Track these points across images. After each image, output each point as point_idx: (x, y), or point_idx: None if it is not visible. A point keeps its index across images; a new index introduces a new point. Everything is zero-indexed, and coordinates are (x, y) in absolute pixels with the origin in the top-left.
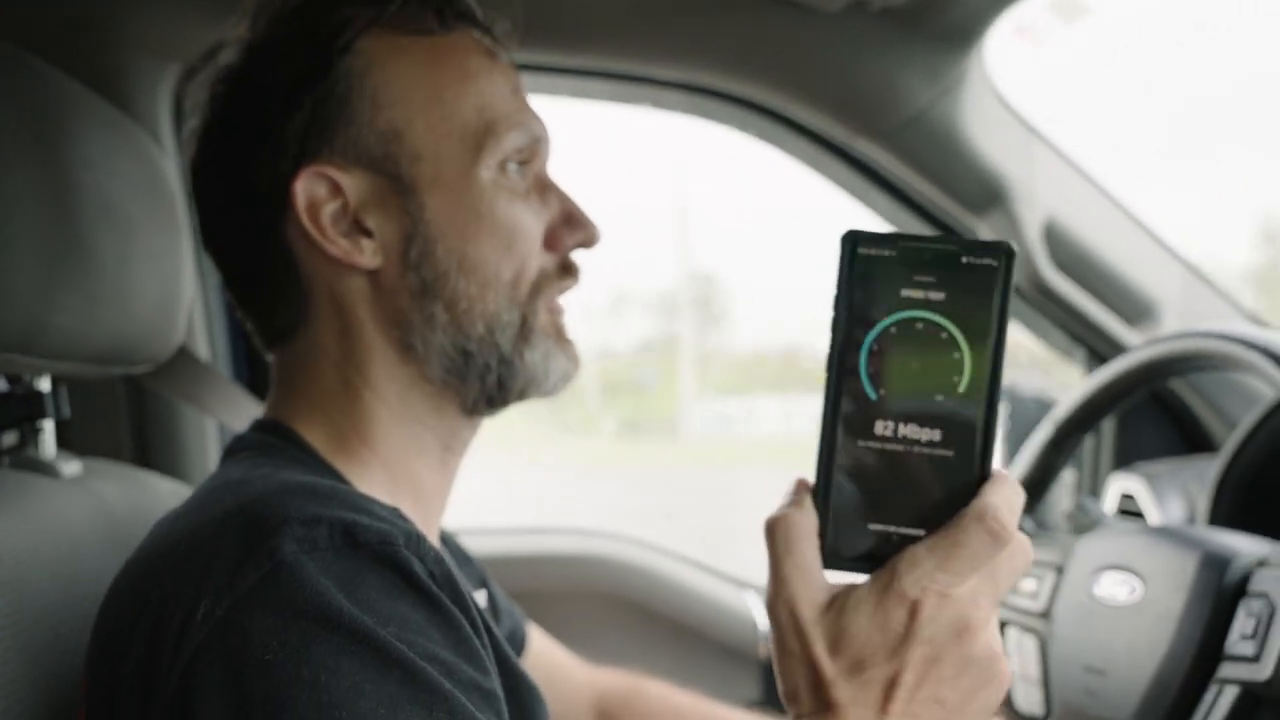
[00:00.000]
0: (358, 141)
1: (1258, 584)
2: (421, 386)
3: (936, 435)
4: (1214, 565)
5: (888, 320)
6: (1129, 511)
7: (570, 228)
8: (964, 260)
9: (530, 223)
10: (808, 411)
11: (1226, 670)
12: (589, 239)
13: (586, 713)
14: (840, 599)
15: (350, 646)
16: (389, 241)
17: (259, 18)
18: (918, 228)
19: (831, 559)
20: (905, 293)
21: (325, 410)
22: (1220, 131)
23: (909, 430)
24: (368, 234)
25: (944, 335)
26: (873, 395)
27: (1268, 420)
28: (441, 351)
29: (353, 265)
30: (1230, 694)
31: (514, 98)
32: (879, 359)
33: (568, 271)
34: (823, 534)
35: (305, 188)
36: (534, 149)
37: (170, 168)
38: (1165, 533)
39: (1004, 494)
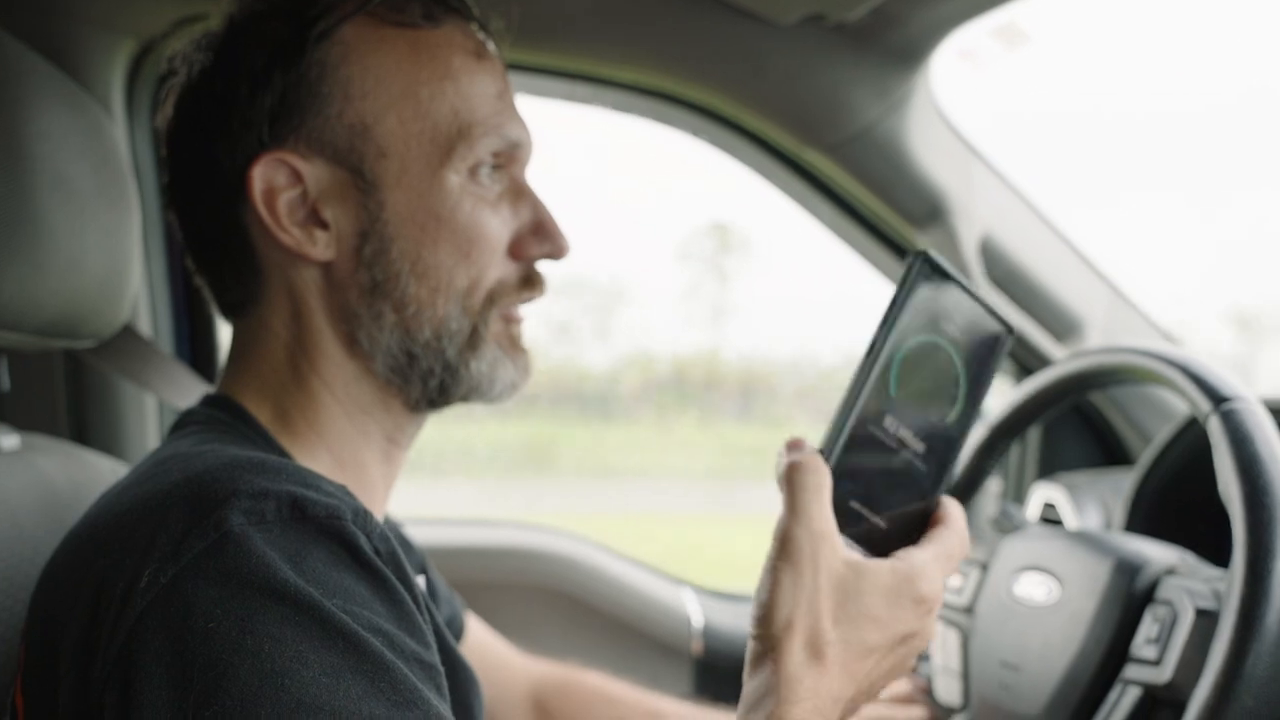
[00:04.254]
0: (324, 132)
1: (1164, 591)
2: (368, 380)
3: (921, 448)
4: (1126, 571)
5: (924, 338)
6: (1050, 519)
7: (538, 238)
8: (986, 321)
9: (495, 230)
10: None
11: (1131, 671)
12: (556, 251)
13: (522, 701)
14: (858, 566)
15: (294, 617)
16: (344, 236)
17: None
18: (860, 239)
19: None
20: (942, 324)
21: (274, 391)
22: (1141, 171)
23: (905, 435)
24: (324, 225)
25: (954, 371)
26: (893, 391)
27: (1180, 436)
28: (387, 350)
29: (304, 256)
30: (1133, 694)
31: (497, 100)
32: (907, 364)
33: (530, 283)
34: None
35: (264, 173)
36: (512, 154)
37: (122, 143)
38: (1082, 538)
39: (964, 524)
